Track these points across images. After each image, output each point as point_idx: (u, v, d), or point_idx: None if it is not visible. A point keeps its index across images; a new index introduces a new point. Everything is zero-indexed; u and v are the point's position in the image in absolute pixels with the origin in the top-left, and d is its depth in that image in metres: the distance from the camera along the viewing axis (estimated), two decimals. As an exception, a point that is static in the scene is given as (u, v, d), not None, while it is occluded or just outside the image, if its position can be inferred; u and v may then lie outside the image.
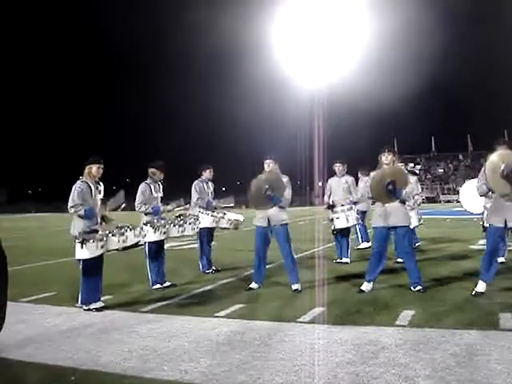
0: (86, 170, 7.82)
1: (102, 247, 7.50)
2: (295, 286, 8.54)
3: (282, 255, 8.77)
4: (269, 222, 8.67)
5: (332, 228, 11.40)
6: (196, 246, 11.24)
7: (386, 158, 8.39)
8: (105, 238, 7.56)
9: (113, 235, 7.69)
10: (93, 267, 7.58)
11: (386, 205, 8.22)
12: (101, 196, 7.91)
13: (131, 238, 7.93)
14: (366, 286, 8.27)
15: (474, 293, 7.65)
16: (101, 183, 8.00)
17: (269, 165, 8.86)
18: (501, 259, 9.31)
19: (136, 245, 8.16)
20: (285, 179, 8.75)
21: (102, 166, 7.92)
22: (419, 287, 8.11)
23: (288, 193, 8.81)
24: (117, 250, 7.85)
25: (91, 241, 7.37)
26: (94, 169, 7.83)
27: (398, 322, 6.37)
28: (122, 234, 7.79)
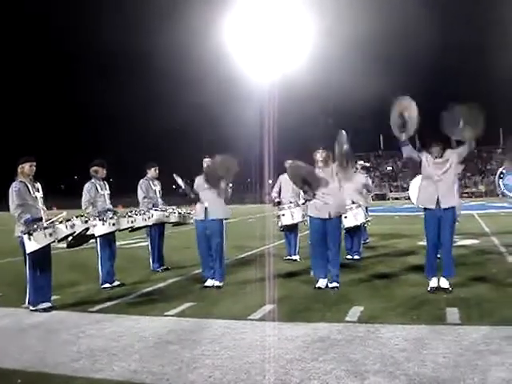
0: (19, 170, 7.71)
1: (50, 235, 7.32)
2: (217, 283, 8.61)
3: (213, 250, 8.74)
4: (205, 217, 8.65)
5: (279, 225, 11.45)
6: (146, 243, 11.15)
7: (320, 156, 8.45)
8: (52, 227, 7.40)
9: (60, 222, 7.54)
10: (40, 262, 7.44)
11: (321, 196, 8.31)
12: (40, 194, 7.78)
13: (79, 224, 7.80)
14: (322, 283, 8.32)
15: (429, 289, 7.79)
16: (37, 182, 7.88)
17: (207, 163, 8.85)
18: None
19: (86, 238, 8.04)
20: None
21: (35, 164, 7.80)
22: (335, 284, 8.25)
23: (229, 192, 8.85)
24: (68, 240, 7.72)
25: (38, 229, 7.21)
26: (27, 167, 7.71)
27: (347, 318, 6.44)
28: (69, 220, 7.65)
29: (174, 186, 9.01)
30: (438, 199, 7.76)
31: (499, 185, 18.95)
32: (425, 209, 7.99)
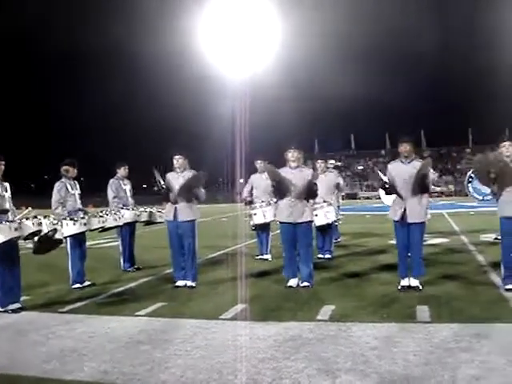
0: None
1: (15, 230, 7.17)
2: (189, 283, 8.60)
3: (185, 250, 8.71)
4: (176, 217, 8.62)
5: (251, 224, 11.45)
6: (117, 243, 11.07)
7: (292, 156, 8.47)
8: (18, 222, 7.27)
9: (26, 218, 7.43)
10: (8, 261, 7.33)
11: (290, 201, 8.34)
12: (8, 194, 7.68)
13: (46, 224, 7.70)
14: (293, 282, 8.33)
15: (400, 287, 7.86)
16: (6, 181, 7.77)
17: (178, 160, 8.80)
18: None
19: (53, 244, 7.94)
20: (190, 173, 8.75)
21: (3, 163, 7.68)
22: (306, 283, 8.27)
23: (203, 193, 8.86)
24: (35, 240, 7.61)
25: (2, 222, 7.09)
26: None
27: (319, 317, 6.46)
28: (36, 217, 7.55)
29: (154, 181, 8.90)
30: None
31: (468, 188, 19.21)
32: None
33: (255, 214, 11.20)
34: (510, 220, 7.64)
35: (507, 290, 7.48)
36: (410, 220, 7.81)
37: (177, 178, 8.71)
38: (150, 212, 10.57)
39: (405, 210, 7.81)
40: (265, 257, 11.47)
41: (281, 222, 8.54)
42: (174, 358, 5.10)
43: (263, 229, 11.50)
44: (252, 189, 11.66)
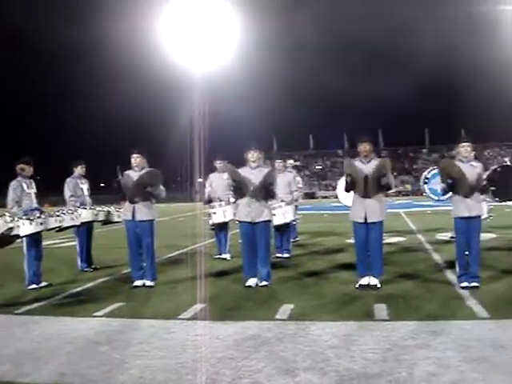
0: None
1: None
2: (148, 283, 8.56)
3: (143, 249, 8.67)
4: (134, 216, 8.56)
5: (210, 223, 11.44)
6: (74, 243, 10.94)
7: (252, 156, 8.49)
8: None
9: None
10: None
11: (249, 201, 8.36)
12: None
13: (2, 224, 7.57)
14: (252, 281, 8.34)
15: (358, 286, 7.93)
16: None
17: (135, 159, 8.73)
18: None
19: (9, 239, 7.81)
20: (154, 172, 8.71)
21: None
22: (265, 282, 8.31)
23: (163, 190, 8.81)
24: None
25: None
26: None
27: (278, 316, 6.48)
28: None
29: (117, 180, 8.80)
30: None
31: (424, 189, 19.44)
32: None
33: (215, 213, 11.19)
34: (464, 220, 7.80)
35: (462, 287, 7.62)
36: (369, 220, 7.89)
37: (134, 177, 8.65)
38: (108, 211, 10.46)
39: (365, 209, 7.90)
40: (223, 256, 11.46)
41: (240, 222, 8.55)
42: (133, 359, 5.06)
43: (222, 228, 11.49)
44: (211, 188, 11.64)
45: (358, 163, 8.08)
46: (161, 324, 6.30)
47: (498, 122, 69.56)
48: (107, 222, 10.60)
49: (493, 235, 13.95)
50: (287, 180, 11.49)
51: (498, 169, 13.55)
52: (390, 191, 8.53)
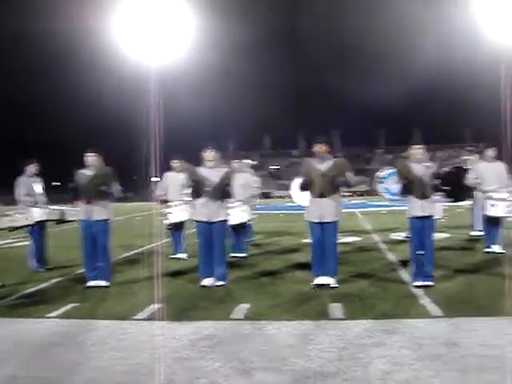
0: None
1: None
2: (102, 283, 8.48)
3: (98, 249, 8.57)
4: (89, 216, 8.46)
5: (165, 223, 11.38)
6: (27, 243, 10.75)
7: (209, 155, 8.48)
8: None
9: None
10: None
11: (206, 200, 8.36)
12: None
13: None
14: (208, 281, 8.32)
15: (314, 285, 7.97)
16: None
17: (90, 158, 8.64)
18: None
19: None
20: (110, 171, 8.63)
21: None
22: (221, 282, 8.32)
23: (119, 189, 8.72)
24: None
25: None
26: None
27: (233, 316, 6.48)
28: None
29: (72, 180, 8.67)
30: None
31: (379, 189, 19.65)
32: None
33: (170, 213, 11.13)
34: (418, 220, 7.92)
35: (416, 286, 7.73)
36: (324, 219, 7.95)
37: (89, 176, 8.55)
38: (62, 210, 10.31)
39: (320, 209, 7.95)
40: (179, 256, 11.41)
41: (197, 221, 8.53)
42: (88, 361, 5.00)
43: (178, 228, 11.44)
44: (166, 187, 11.58)
45: (314, 163, 8.12)
46: (116, 325, 6.24)
47: (451, 124, 70.92)
48: (61, 221, 10.45)
49: (446, 235, 14.19)
50: (244, 180, 11.49)
51: (451, 170, 13.81)
52: (350, 188, 8.59)
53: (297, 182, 11.10)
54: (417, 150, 8.08)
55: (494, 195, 10.51)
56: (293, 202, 12.10)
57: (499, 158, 11.26)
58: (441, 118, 69.64)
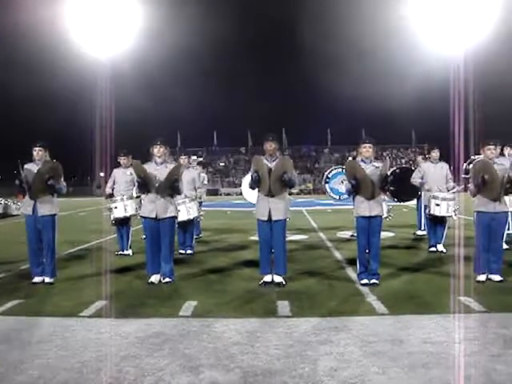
0: None
1: None
2: (47, 279, 8.33)
3: (44, 245, 8.40)
4: (35, 211, 8.30)
5: (111, 218, 11.26)
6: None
7: (158, 151, 8.43)
8: None
9: None
10: None
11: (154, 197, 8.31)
12: None
13: None
14: (155, 278, 8.26)
15: (262, 283, 8.00)
16: None
17: (38, 152, 8.46)
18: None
19: None
20: (55, 165, 8.47)
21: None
22: (168, 279, 8.29)
23: (64, 185, 8.56)
24: None
25: None
26: None
27: (181, 313, 6.46)
28: None
29: (19, 174, 8.46)
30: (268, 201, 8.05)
31: (326, 188, 19.85)
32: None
33: (116, 208, 11.03)
34: (364, 219, 8.02)
35: (362, 284, 7.83)
36: (273, 218, 7.98)
37: (35, 170, 8.38)
38: (6, 204, 10.13)
39: (269, 208, 7.98)
40: (125, 252, 11.31)
41: (144, 218, 8.46)
42: (32, 359, 4.91)
43: (124, 223, 11.34)
44: (114, 183, 11.47)
45: (264, 161, 8.14)
46: (61, 322, 6.14)
47: (396, 124, 71.99)
48: (4, 215, 10.26)
49: (391, 234, 14.41)
50: (192, 176, 11.47)
51: (397, 170, 14.04)
52: (292, 189, 8.65)
53: (247, 179, 11.15)
54: (365, 149, 8.17)
55: (439, 195, 10.72)
56: (240, 200, 12.14)
57: (443, 158, 11.50)
58: (387, 119, 70.56)
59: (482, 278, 7.97)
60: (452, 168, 11.46)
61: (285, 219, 8.10)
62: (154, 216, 8.27)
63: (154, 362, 4.75)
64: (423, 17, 49.95)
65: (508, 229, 11.28)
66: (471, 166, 8.53)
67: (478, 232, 8.13)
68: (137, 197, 11.09)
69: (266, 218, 8.03)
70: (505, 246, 9.97)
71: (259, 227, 8.20)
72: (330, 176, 19.73)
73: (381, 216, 8.18)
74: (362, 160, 8.17)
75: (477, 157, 8.58)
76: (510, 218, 11.33)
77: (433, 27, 50.36)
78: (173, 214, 8.44)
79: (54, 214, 8.43)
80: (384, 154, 73.47)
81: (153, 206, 8.27)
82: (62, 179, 8.54)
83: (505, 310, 6.38)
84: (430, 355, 4.84)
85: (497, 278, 7.94)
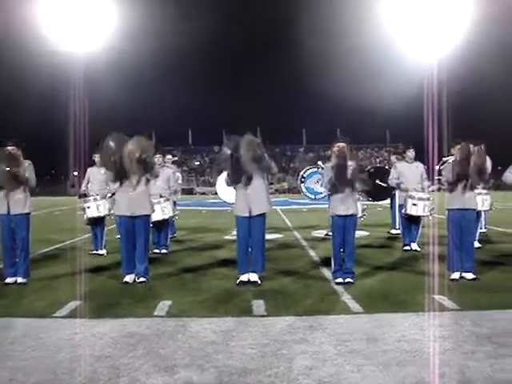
0: None
1: None
2: (20, 279, 8.22)
3: (17, 244, 8.30)
4: (8, 209, 8.20)
5: (85, 217, 11.19)
6: None
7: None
8: None
9: None
10: None
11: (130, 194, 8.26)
12: None
13: None
14: (130, 277, 8.21)
15: (238, 282, 7.99)
16: None
17: (10, 151, 8.36)
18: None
19: None
20: (27, 164, 8.36)
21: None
22: (143, 279, 8.24)
23: (34, 178, 8.42)
24: None
25: None
26: None
27: (156, 313, 6.43)
28: None
29: None
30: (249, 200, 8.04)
31: (301, 188, 19.95)
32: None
33: (89, 207, 10.97)
34: (340, 218, 8.06)
35: (337, 283, 7.86)
36: (254, 212, 7.96)
37: (6, 168, 8.27)
38: None
39: (249, 202, 7.96)
40: (100, 252, 11.23)
41: (119, 216, 8.41)
42: (4, 360, 4.84)
43: (98, 223, 11.27)
44: (89, 182, 11.40)
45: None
46: (34, 323, 6.07)
47: (370, 124, 72.38)
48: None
49: (366, 233, 14.50)
50: (166, 175, 11.43)
51: (371, 170, 14.13)
52: (273, 173, 8.61)
53: (223, 178, 11.14)
54: (340, 148, 8.20)
55: (415, 195, 10.81)
56: (215, 199, 12.13)
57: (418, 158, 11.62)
58: (362, 119, 70.88)
59: (456, 275, 8.04)
60: (426, 168, 11.56)
61: (265, 214, 8.11)
62: (129, 214, 8.21)
63: (128, 362, 4.72)
64: (400, 20, 50.69)
65: (480, 227, 11.44)
66: (444, 166, 8.60)
67: (450, 229, 8.22)
68: (111, 195, 11.02)
69: (246, 214, 8.01)
70: (477, 245, 10.09)
71: (239, 224, 8.17)
72: (305, 175, 19.85)
73: (356, 215, 8.24)
74: (338, 159, 8.18)
75: (449, 157, 8.65)
76: (482, 217, 11.50)
77: (409, 31, 51.15)
78: (148, 212, 8.41)
79: (28, 213, 8.34)
80: (358, 153, 73.80)
81: (127, 203, 8.20)
82: (34, 177, 8.42)
83: (477, 307, 6.45)
84: (404, 353, 4.87)
85: (470, 276, 8.03)
